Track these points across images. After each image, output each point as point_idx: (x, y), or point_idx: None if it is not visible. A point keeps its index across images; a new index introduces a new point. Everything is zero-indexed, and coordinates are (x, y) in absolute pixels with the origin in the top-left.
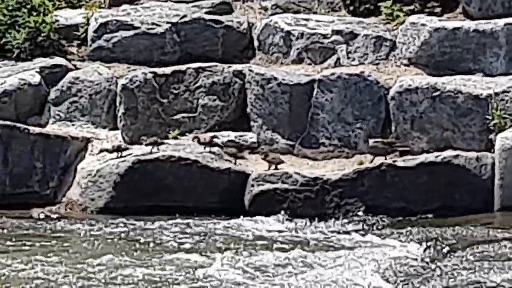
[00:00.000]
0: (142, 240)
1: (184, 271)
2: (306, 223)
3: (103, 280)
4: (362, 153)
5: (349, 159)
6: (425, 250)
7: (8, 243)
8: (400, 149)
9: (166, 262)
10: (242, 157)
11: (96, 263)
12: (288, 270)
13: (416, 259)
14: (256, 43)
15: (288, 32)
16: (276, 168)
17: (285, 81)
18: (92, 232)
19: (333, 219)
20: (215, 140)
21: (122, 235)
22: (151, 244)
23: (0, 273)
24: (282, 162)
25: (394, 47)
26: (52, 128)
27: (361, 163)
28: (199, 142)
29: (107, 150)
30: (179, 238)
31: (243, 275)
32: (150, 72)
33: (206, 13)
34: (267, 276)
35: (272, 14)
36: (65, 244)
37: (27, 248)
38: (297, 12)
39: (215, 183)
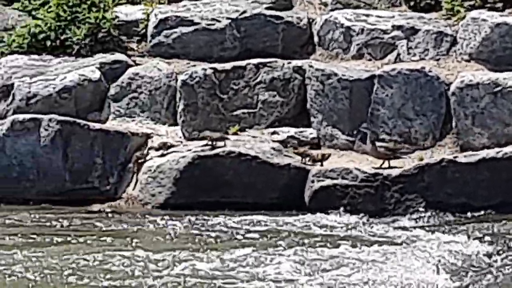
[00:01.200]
0: (213, 235)
1: (250, 267)
2: (366, 219)
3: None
4: (423, 149)
5: (409, 154)
6: (486, 245)
7: (81, 239)
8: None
9: (237, 257)
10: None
11: (174, 256)
12: (347, 265)
13: (477, 255)
14: (316, 39)
15: (348, 28)
16: (321, 165)
17: (345, 77)
18: (159, 228)
19: (393, 215)
20: (274, 136)
21: (188, 230)
22: (218, 240)
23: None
24: (325, 157)
25: (455, 42)
26: (112, 124)
27: (421, 159)
28: (211, 140)
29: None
30: (245, 234)
31: (303, 271)
32: (210, 68)
33: (266, 8)
34: (327, 273)
35: (332, 10)
36: (135, 240)
37: (95, 243)
38: (357, 7)
39: (275, 179)
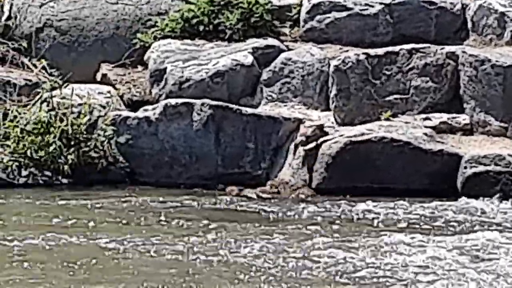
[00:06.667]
0: (368, 221)
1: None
2: None
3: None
4: None
5: None
6: None
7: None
8: None
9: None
10: None
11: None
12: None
13: None
14: (469, 25)
15: (502, 14)
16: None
17: (499, 63)
18: (320, 214)
19: None
20: (427, 122)
21: (342, 216)
22: (378, 224)
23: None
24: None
25: None
26: (264, 109)
27: None
28: None
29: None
30: (402, 219)
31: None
32: (363, 53)
33: None
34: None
35: None
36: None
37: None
38: None
39: (427, 164)
